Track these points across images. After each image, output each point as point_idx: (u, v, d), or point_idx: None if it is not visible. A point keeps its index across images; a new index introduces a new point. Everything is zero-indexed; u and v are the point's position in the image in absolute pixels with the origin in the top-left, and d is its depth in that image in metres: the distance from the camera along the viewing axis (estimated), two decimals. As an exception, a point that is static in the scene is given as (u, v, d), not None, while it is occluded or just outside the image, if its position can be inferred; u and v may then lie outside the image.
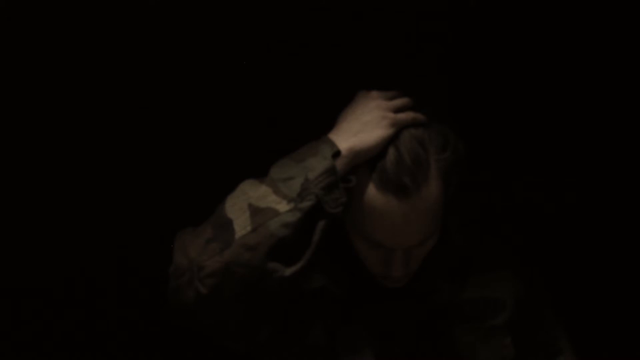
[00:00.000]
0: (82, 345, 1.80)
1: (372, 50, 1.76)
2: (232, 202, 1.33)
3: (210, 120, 1.77)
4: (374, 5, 1.74)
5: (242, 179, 1.36)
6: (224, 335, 1.36)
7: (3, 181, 1.71)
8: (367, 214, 1.32)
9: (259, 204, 1.30)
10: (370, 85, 1.42)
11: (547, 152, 1.86)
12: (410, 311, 1.45)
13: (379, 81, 1.43)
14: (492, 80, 1.82)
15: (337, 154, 1.31)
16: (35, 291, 1.77)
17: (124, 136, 1.75)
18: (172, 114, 1.76)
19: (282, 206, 1.29)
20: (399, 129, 1.33)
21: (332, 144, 1.32)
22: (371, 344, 1.44)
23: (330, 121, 1.68)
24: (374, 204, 1.31)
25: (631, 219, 1.87)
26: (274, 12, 1.73)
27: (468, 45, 1.80)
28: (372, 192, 1.32)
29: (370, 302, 1.45)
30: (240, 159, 1.76)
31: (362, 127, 1.33)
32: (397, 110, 1.35)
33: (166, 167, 1.77)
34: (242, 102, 1.78)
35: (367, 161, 1.32)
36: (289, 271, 1.29)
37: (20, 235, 1.75)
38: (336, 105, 1.75)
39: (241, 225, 1.29)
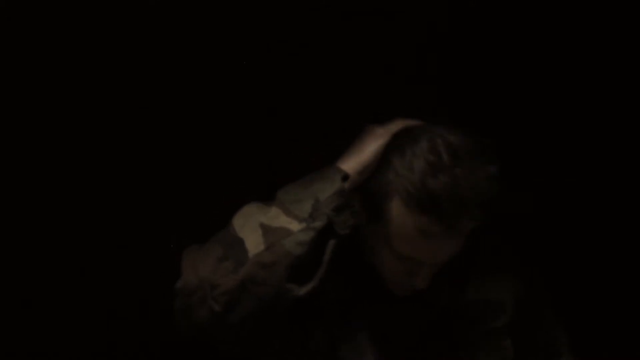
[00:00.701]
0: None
1: (371, 51, 1.76)
2: (241, 222, 1.35)
3: (210, 120, 1.77)
4: (374, 5, 1.74)
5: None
6: (235, 348, 1.37)
7: (3, 182, 1.71)
8: (406, 234, 1.32)
9: (271, 224, 1.32)
10: (370, 85, 1.42)
11: (547, 152, 1.86)
12: (411, 313, 1.45)
13: (379, 81, 1.43)
14: (491, 80, 1.82)
15: (345, 177, 1.34)
16: (35, 292, 1.77)
17: (124, 136, 1.75)
18: (172, 114, 1.75)
19: (295, 225, 1.31)
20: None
21: (338, 169, 1.35)
22: (373, 347, 1.44)
23: (330, 121, 1.69)
24: (416, 226, 1.31)
25: (631, 219, 1.87)
26: (274, 12, 1.73)
27: (468, 45, 1.80)
28: (413, 214, 1.31)
29: (372, 304, 1.45)
30: (240, 158, 1.77)
31: (360, 150, 1.37)
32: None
33: (166, 167, 1.77)
34: (242, 102, 1.77)
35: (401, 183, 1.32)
36: (303, 290, 1.31)
37: (20, 235, 1.75)
38: (336, 105, 1.76)
39: (254, 243, 1.31)
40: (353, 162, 1.36)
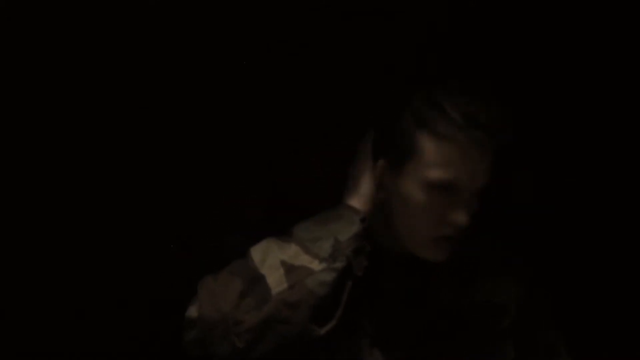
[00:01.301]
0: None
1: (371, 51, 1.76)
2: (260, 257, 1.38)
3: (210, 120, 1.77)
4: (374, 5, 1.75)
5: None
6: None
7: (3, 182, 1.71)
8: (445, 152, 1.35)
9: (292, 262, 1.35)
10: (370, 85, 1.43)
11: (547, 152, 1.86)
12: (415, 315, 1.46)
13: (378, 81, 1.44)
14: (491, 80, 1.82)
15: (363, 219, 1.38)
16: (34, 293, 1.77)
17: (124, 136, 1.75)
18: (172, 114, 1.76)
19: (316, 265, 1.35)
20: None
21: (356, 210, 1.39)
22: (374, 348, 1.44)
23: (330, 121, 1.69)
24: (455, 138, 1.35)
25: (631, 219, 1.87)
26: (274, 12, 1.73)
27: (468, 45, 1.80)
28: (451, 129, 1.35)
29: (375, 305, 1.45)
30: (240, 158, 1.77)
31: (362, 182, 1.43)
32: None
33: (166, 167, 1.77)
34: (242, 102, 1.78)
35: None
36: (323, 330, 1.33)
37: (20, 235, 1.75)
38: (336, 105, 1.76)
39: (276, 281, 1.34)
40: (358, 197, 1.42)
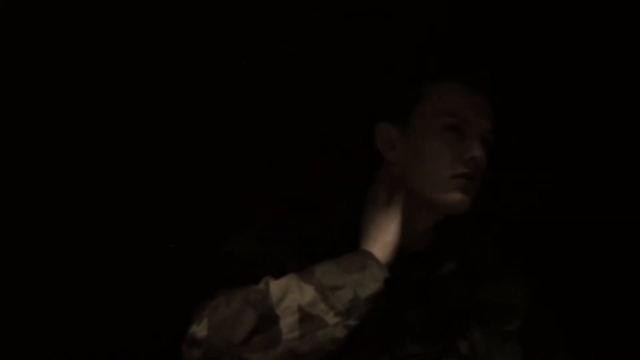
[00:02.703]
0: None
1: (371, 50, 1.76)
2: (279, 295, 1.35)
3: (210, 120, 1.77)
4: (374, 5, 1.75)
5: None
6: None
7: (3, 183, 1.71)
8: (448, 96, 1.46)
9: (309, 310, 1.34)
10: (370, 85, 1.43)
11: (547, 152, 1.87)
12: (423, 314, 1.46)
13: (379, 81, 1.44)
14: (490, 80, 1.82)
15: (386, 280, 1.38)
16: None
17: (124, 136, 1.75)
18: (172, 115, 1.76)
19: (330, 317, 1.34)
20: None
21: (381, 266, 1.38)
22: (387, 346, 1.44)
23: (330, 121, 1.69)
24: (456, 82, 1.47)
25: (631, 219, 1.87)
26: (274, 12, 1.73)
27: (468, 45, 1.80)
28: (450, 76, 1.48)
29: (388, 305, 1.45)
30: (240, 158, 1.77)
31: (385, 221, 1.43)
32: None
33: (166, 167, 1.77)
34: (242, 102, 1.78)
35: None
36: None
37: (20, 235, 1.75)
38: (336, 105, 1.76)
39: (289, 326, 1.33)
40: (384, 245, 1.42)
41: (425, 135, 1.45)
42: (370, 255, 1.40)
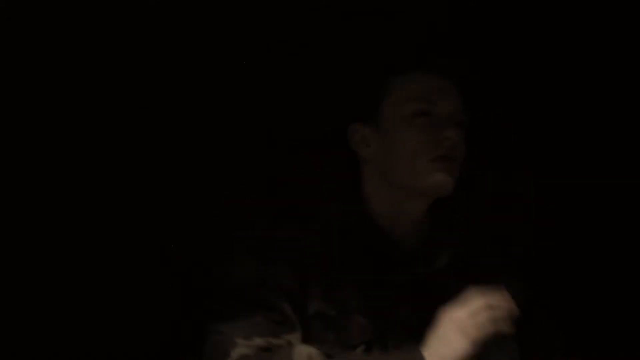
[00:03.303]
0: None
1: (371, 50, 1.76)
2: None
3: (210, 120, 1.77)
4: (374, 5, 1.75)
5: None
6: None
7: (3, 183, 1.71)
8: (412, 85, 1.47)
9: None
10: (370, 85, 1.43)
11: (547, 151, 1.87)
12: (420, 311, 1.46)
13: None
14: (490, 80, 1.83)
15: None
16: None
17: (124, 136, 1.75)
18: (172, 115, 1.76)
19: None
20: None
21: None
22: (382, 341, 1.44)
23: (330, 121, 1.68)
24: (418, 69, 1.48)
25: (631, 220, 1.87)
26: (274, 12, 1.73)
27: (468, 45, 1.81)
28: (413, 63, 1.50)
29: (381, 302, 1.45)
30: (240, 158, 1.77)
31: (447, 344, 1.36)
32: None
33: (166, 167, 1.77)
34: (242, 102, 1.78)
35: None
36: None
37: (19, 235, 1.75)
38: (336, 105, 1.75)
39: None
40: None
41: (397, 126, 1.46)
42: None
